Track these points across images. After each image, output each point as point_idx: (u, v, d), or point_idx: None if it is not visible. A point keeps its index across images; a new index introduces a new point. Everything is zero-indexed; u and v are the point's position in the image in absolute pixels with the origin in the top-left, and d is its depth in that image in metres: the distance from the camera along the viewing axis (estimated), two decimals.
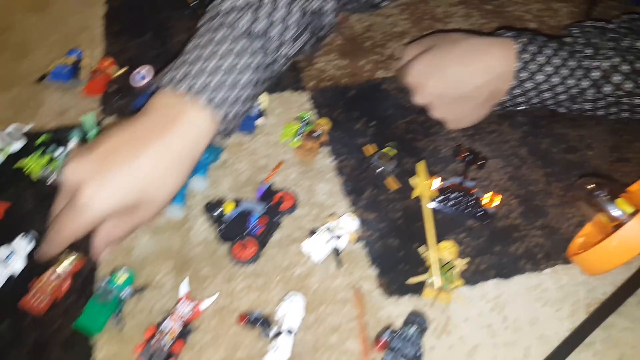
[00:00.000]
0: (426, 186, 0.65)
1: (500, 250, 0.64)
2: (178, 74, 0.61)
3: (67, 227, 0.56)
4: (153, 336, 0.57)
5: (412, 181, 0.67)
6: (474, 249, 0.65)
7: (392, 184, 0.70)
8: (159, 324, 0.58)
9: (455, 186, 0.66)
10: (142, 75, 0.82)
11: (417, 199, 0.68)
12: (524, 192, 0.70)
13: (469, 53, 0.71)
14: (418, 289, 0.62)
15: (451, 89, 0.71)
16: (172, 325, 0.58)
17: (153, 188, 0.57)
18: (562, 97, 0.71)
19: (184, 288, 0.61)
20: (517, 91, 0.70)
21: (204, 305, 0.61)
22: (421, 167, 0.67)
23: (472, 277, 0.62)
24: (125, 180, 0.56)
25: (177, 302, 0.60)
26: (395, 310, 0.60)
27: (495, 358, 0.56)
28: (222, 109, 0.61)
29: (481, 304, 0.61)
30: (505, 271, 0.62)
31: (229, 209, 0.67)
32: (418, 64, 0.72)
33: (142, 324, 0.60)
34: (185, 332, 0.58)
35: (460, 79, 0.70)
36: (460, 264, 0.61)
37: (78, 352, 0.58)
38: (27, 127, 0.80)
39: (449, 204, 0.66)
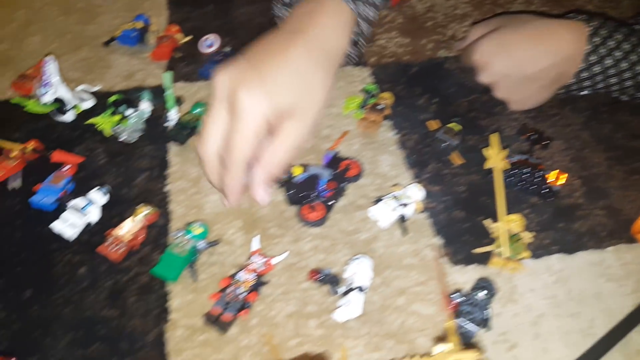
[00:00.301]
0: (499, 157, 0.67)
1: (564, 227, 0.66)
2: None
3: (237, 141, 0.53)
4: (228, 286, 0.60)
5: (486, 152, 0.68)
6: (537, 224, 0.66)
7: (457, 159, 0.71)
8: (233, 276, 0.61)
9: (523, 162, 0.67)
10: (210, 42, 0.84)
11: (483, 173, 0.70)
12: (586, 173, 0.71)
13: (538, 34, 0.72)
14: (483, 259, 0.63)
15: (518, 69, 0.72)
16: (247, 277, 0.60)
17: (309, 86, 0.55)
18: (628, 83, 0.71)
19: (255, 244, 0.63)
20: (585, 75, 0.71)
21: (276, 260, 0.63)
22: (495, 138, 0.69)
23: (536, 251, 0.63)
24: (280, 75, 0.53)
25: (250, 256, 0.62)
26: (461, 278, 0.62)
27: (560, 327, 0.58)
28: (356, 5, 0.61)
29: (545, 277, 0.62)
30: (569, 247, 0.64)
31: (297, 173, 0.69)
32: (486, 43, 0.73)
33: (215, 275, 0.62)
34: (258, 284, 0.61)
35: (528, 59, 0.71)
36: (527, 236, 0.63)
37: (154, 298, 0.61)
38: (96, 88, 0.83)
39: (517, 179, 0.67)
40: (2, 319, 0.59)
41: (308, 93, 0.55)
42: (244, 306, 0.59)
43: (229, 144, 0.54)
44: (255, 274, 0.61)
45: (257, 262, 0.62)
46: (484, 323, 0.56)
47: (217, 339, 0.58)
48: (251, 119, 0.52)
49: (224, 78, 0.54)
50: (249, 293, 0.59)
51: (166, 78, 0.70)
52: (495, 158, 0.67)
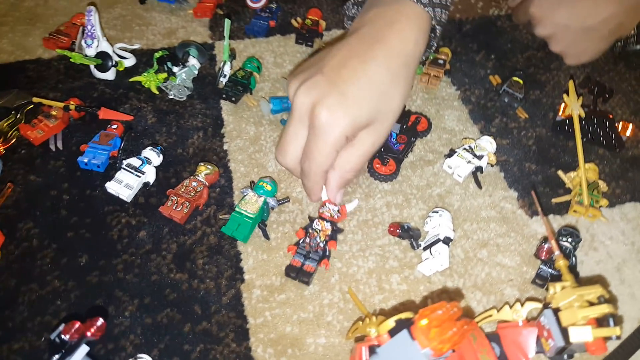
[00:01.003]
0: (577, 104, 0.65)
1: (634, 177, 0.65)
2: None
3: (315, 156, 0.53)
4: (305, 237, 0.57)
5: (566, 98, 0.66)
6: (607, 174, 0.65)
7: (523, 113, 0.70)
8: (306, 228, 0.58)
9: (592, 111, 0.66)
10: None
11: (549, 126, 0.69)
12: None
13: None
14: (560, 209, 0.62)
15: (578, 19, 0.70)
16: (323, 225, 0.58)
17: (387, 97, 0.54)
18: None
19: (324, 195, 0.61)
20: None
21: (349, 207, 0.60)
22: (571, 85, 0.67)
23: (609, 199, 0.62)
24: (361, 90, 0.52)
25: (322, 205, 0.59)
26: (540, 229, 0.60)
27: None
28: (431, 7, 0.58)
29: (622, 225, 0.61)
30: None
31: None
32: None
33: (287, 234, 0.59)
34: (336, 231, 0.58)
35: (589, 9, 0.70)
36: (602, 184, 0.62)
37: (225, 259, 0.57)
38: (135, 46, 0.78)
39: (586, 129, 0.66)
40: (58, 288, 0.55)
41: (386, 105, 0.54)
42: (324, 255, 0.57)
43: (309, 158, 0.54)
44: (331, 222, 0.58)
45: (332, 208, 0.59)
46: (572, 268, 0.55)
47: (297, 298, 0.55)
48: (331, 137, 0.52)
49: (303, 98, 0.52)
50: (327, 241, 0.57)
51: (227, 25, 0.65)
52: (573, 104, 0.65)
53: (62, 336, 0.40)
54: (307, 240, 0.57)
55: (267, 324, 0.53)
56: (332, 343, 0.52)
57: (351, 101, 0.51)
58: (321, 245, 0.57)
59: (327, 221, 0.58)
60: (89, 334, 0.40)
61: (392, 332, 0.39)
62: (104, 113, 0.67)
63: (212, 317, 0.53)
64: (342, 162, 0.55)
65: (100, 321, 0.41)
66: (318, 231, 0.57)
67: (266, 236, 0.59)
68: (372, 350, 0.42)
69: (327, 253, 0.57)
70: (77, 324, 0.40)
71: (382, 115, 0.54)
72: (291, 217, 0.61)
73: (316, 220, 0.58)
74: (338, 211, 0.59)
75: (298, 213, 0.61)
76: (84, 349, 0.41)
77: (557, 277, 0.53)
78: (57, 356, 0.41)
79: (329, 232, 0.58)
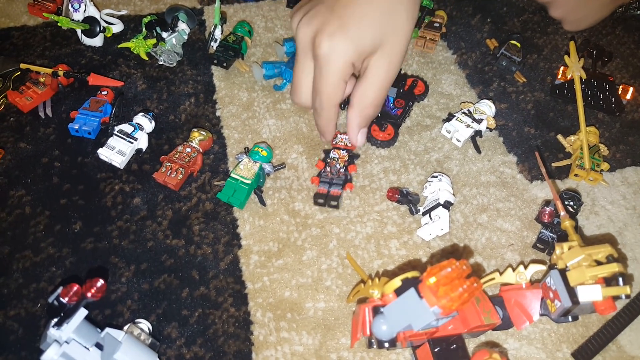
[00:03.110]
0: (578, 66, 0.64)
1: (634, 141, 0.65)
2: None
3: (323, 88, 0.51)
4: (325, 167, 0.59)
5: (567, 59, 0.65)
6: (607, 139, 0.65)
7: (521, 77, 0.69)
8: (324, 159, 0.60)
9: (592, 74, 0.65)
10: None
11: (547, 90, 0.68)
12: None
13: None
14: (560, 173, 0.61)
15: None
16: (340, 153, 0.60)
17: (392, 16, 0.51)
18: None
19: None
20: None
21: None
22: (572, 46, 0.66)
23: (609, 164, 0.62)
24: (363, 17, 0.49)
25: (334, 137, 0.61)
26: (541, 193, 0.60)
27: None
28: None
29: (622, 189, 0.61)
30: None
31: None
32: None
33: (284, 200, 0.58)
34: (354, 156, 0.61)
35: None
36: (603, 148, 0.61)
37: (222, 225, 0.56)
38: (122, 12, 0.75)
39: (586, 92, 0.65)
40: (52, 254, 0.54)
41: (393, 29, 0.51)
42: (347, 179, 0.58)
43: (318, 92, 0.52)
44: (345, 149, 0.60)
45: (344, 137, 0.61)
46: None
47: (296, 263, 0.54)
48: (334, 66, 0.50)
49: (305, 29, 0.50)
50: (347, 166, 0.59)
51: None
52: (576, 66, 0.64)
53: (61, 299, 0.39)
54: (328, 169, 0.59)
55: (266, 288, 0.53)
56: (331, 307, 0.51)
57: (354, 29, 0.49)
58: (342, 170, 0.59)
59: (342, 150, 0.60)
60: (89, 294, 0.39)
61: (399, 292, 0.39)
62: (93, 79, 0.65)
63: (210, 282, 0.53)
64: (358, 97, 0.53)
65: (101, 282, 0.40)
66: (336, 159, 0.59)
67: (262, 202, 0.58)
68: (376, 310, 0.41)
69: (349, 177, 0.59)
70: (76, 287, 0.39)
71: (390, 37, 0.50)
72: (287, 183, 0.60)
73: (332, 151, 0.61)
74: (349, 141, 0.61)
75: (294, 179, 0.60)
76: (82, 312, 0.40)
77: (560, 241, 0.53)
78: (55, 320, 0.40)
79: (347, 158, 0.60)
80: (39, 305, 0.50)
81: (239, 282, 0.53)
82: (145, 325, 0.49)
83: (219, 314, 0.51)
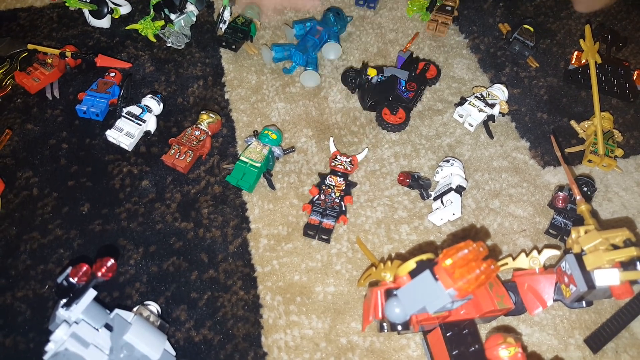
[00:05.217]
0: (594, 50, 0.63)
1: None
2: None
3: None
4: (319, 194, 0.55)
5: (582, 43, 0.64)
6: (621, 125, 0.64)
7: (534, 62, 0.68)
8: (319, 185, 0.56)
9: (607, 59, 0.64)
10: None
11: (561, 75, 0.67)
12: None
13: None
14: (573, 159, 0.60)
15: None
16: (336, 180, 0.56)
17: None
18: None
19: (332, 146, 0.59)
20: None
21: (360, 157, 0.59)
22: (588, 29, 0.65)
23: (623, 150, 0.61)
24: None
25: (332, 159, 0.58)
26: (553, 179, 0.59)
27: None
28: None
29: (637, 175, 0.60)
30: None
31: (373, 74, 0.63)
32: None
33: (293, 184, 0.58)
34: (350, 186, 0.57)
35: None
36: (617, 134, 0.60)
37: (231, 208, 0.56)
38: None
39: (600, 78, 0.64)
40: (60, 236, 0.53)
41: None
42: (341, 211, 0.55)
43: None
44: (343, 175, 0.57)
45: (344, 160, 0.57)
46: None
47: (305, 247, 0.54)
48: None
49: None
50: (343, 197, 0.55)
51: None
52: (590, 50, 0.63)
53: (70, 279, 0.39)
54: (322, 197, 0.56)
55: (275, 272, 0.52)
56: (341, 291, 0.51)
57: None
58: (337, 200, 0.55)
59: (339, 175, 0.57)
60: (99, 274, 0.38)
61: (413, 274, 0.38)
62: (101, 60, 0.64)
63: (219, 265, 0.53)
64: None
65: (111, 261, 0.39)
66: (332, 187, 0.56)
67: (272, 186, 0.58)
68: (388, 293, 0.41)
69: (344, 208, 0.56)
70: (85, 267, 0.39)
71: None
72: (296, 167, 0.59)
73: (328, 177, 0.57)
74: (350, 162, 0.58)
75: (303, 163, 0.60)
76: (91, 292, 0.40)
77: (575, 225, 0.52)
78: (64, 300, 0.39)
79: (343, 187, 0.56)
80: (47, 286, 0.50)
81: (248, 266, 0.52)
82: (154, 307, 0.48)
83: (228, 297, 0.50)
